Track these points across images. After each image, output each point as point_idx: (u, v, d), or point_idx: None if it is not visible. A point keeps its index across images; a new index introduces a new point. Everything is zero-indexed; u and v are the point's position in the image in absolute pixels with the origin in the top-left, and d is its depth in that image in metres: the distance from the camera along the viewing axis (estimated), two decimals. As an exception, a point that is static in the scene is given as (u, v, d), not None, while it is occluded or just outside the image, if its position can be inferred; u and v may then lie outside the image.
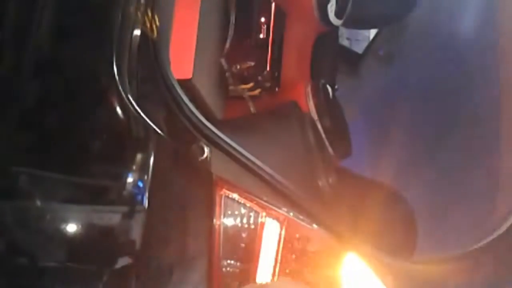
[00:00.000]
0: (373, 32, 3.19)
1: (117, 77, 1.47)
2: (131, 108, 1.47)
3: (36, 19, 1.53)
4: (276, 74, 2.47)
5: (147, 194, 1.46)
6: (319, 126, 2.44)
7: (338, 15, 2.48)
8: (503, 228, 1.87)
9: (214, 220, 1.52)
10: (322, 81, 2.60)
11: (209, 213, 1.52)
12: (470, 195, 2.17)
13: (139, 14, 1.52)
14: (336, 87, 2.74)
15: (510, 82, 2.16)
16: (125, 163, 1.48)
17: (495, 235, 1.86)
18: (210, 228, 1.52)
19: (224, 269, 1.53)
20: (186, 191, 1.54)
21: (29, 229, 1.47)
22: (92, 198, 1.49)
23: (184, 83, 1.64)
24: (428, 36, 2.73)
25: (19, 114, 1.51)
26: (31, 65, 1.54)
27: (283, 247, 1.55)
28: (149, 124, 1.49)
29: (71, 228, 1.47)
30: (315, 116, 2.47)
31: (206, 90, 2.17)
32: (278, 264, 1.54)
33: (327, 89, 2.60)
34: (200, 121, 1.54)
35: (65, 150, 1.50)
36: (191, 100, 1.56)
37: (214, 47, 2.33)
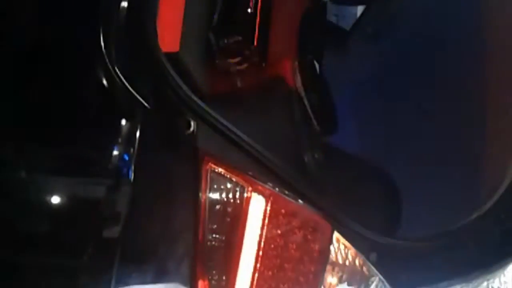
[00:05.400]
0: (360, 9, 3.18)
1: (104, 50, 1.47)
2: (118, 80, 1.47)
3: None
4: (264, 49, 2.46)
5: (132, 167, 1.46)
6: (306, 102, 2.44)
7: (326, -10, 2.48)
8: (486, 207, 1.88)
9: (200, 195, 1.52)
10: (309, 56, 2.59)
11: (195, 187, 1.52)
12: (454, 174, 2.18)
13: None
14: (322, 63, 2.73)
15: (497, 63, 2.17)
16: (110, 135, 1.48)
17: (477, 213, 1.88)
18: (196, 203, 1.52)
19: (209, 243, 1.54)
20: (171, 165, 1.54)
21: (12, 201, 1.46)
22: (77, 171, 1.49)
23: (171, 56, 1.63)
24: (416, 13, 2.72)
25: (3, 86, 1.50)
26: (16, 37, 1.52)
27: (268, 222, 1.56)
28: (136, 97, 1.48)
29: (55, 200, 1.46)
30: (301, 91, 2.46)
31: (193, 63, 2.16)
32: (263, 239, 1.55)
33: (314, 65, 2.59)
34: (187, 94, 1.53)
35: (50, 121, 1.49)
36: (177, 73, 1.55)
37: (201, 20, 2.31)
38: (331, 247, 1.61)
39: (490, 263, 1.86)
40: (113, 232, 1.47)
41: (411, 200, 2.20)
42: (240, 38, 2.36)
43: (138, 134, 1.47)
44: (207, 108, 1.55)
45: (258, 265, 1.55)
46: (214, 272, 1.55)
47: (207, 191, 1.53)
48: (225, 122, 1.56)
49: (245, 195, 1.55)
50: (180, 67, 2.07)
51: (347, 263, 1.65)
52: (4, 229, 1.46)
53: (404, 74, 2.58)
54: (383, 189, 2.28)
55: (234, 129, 1.57)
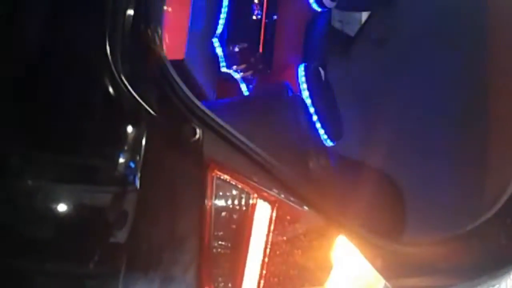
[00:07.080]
0: (365, 15, 3.18)
1: (110, 57, 1.47)
2: (124, 88, 1.47)
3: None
4: (269, 55, 2.47)
5: (138, 175, 1.46)
6: (311, 108, 2.44)
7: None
8: (492, 211, 1.88)
9: (206, 201, 1.52)
10: (314, 63, 2.60)
11: (201, 194, 1.52)
12: (460, 179, 2.18)
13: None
14: (327, 69, 2.74)
15: (503, 67, 2.17)
16: (117, 143, 1.49)
17: (483, 218, 1.87)
18: (202, 209, 1.52)
19: (214, 250, 1.54)
20: (177, 172, 1.54)
21: (20, 208, 1.47)
22: (84, 178, 1.49)
23: (176, 64, 1.64)
24: (420, 19, 2.72)
25: (11, 94, 1.51)
26: (23, 44, 1.53)
27: (274, 229, 1.56)
28: (142, 105, 1.49)
29: (62, 207, 1.47)
30: (306, 98, 2.47)
31: (199, 71, 2.17)
32: (268, 246, 1.55)
33: (319, 71, 2.60)
34: (192, 102, 1.54)
35: (57, 129, 1.50)
36: (183, 81, 1.55)
37: (207, 28, 2.33)
38: (337, 253, 1.61)
39: (496, 268, 1.85)
40: (119, 239, 1.48)
41: (417, 206, 2.20)
42: (245, 45, 2.37)
43: (144, 141, 1.48)
44: (212, 115, 1.55)
45: (264, 271, 1.55)
46: (220, 279, 1.55)
47: (213, 198, 1.53)
48: (230, 129, 1.56)
49: (251, 201, 1.55)
50: (186, 75, 2.08)
51: (353, 269, 1.65)
52: (11, 236, 1.47)
53: (409, 79, 2.58)
54: (388, 194, 2.28)
55: (240, 136, 1.57)
